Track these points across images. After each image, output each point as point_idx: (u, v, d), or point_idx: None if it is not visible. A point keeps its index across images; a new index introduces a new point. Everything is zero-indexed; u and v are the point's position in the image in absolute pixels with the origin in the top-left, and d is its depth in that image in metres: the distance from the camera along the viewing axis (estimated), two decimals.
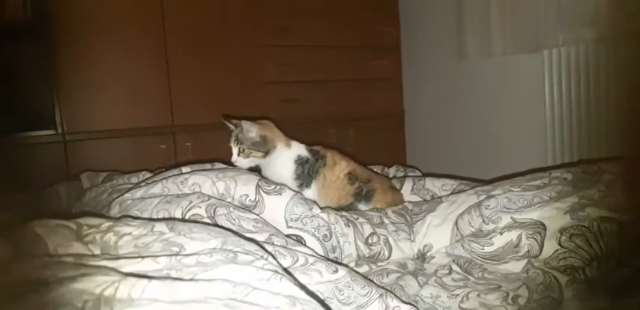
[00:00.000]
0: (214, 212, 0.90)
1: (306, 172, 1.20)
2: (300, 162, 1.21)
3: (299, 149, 1.24)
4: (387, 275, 0.94)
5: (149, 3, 1.87)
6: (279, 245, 0.81)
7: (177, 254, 0.57)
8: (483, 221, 0.99)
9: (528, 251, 0.92)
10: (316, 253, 0.87)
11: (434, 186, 1.22)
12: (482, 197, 1.03)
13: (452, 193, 1.17)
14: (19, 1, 1.81)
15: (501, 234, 0.96)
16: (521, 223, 0.96)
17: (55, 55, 1.76)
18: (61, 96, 1.77)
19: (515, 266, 0.92)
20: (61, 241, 0.62)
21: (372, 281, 0.83)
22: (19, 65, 1.94)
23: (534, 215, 0.96)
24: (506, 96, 1.96)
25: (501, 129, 1.98)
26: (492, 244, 0.95)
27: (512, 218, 0.97)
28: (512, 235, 0.95)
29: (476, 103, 2.08)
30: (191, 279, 0.51)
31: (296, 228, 0.98)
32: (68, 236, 0.65)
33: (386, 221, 1.06)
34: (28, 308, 0.39)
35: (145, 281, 0.44)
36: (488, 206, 1.00)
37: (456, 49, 2.08)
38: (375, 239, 1.01)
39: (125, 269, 0.51)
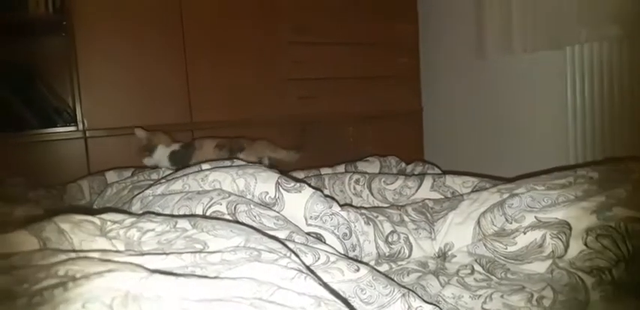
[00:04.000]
0: (235, 209, 0.90)
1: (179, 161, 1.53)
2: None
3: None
4: (408, 275, 0.93)
5: (168, 1, 1.88)
6: (300, 243, 0.81)
7: (201, 252, 0.57)
8: (506, 220, 0.97)
9: (553, 251, 0.90)
10: (337, 251, 0.86)
11: (454, 183, 1.20)
12: (506, 195, 1.01)
13: (473, 191, 1.15)
14: None
15: (525, 234, 0.94)
16: (546, 222, 0.94)
17: (76, 52, 1.78)
18: (83, 93, 1.78)
19: (540, 267, 0.90)
20: (86, 236, 0.63)
21: (394, 280, 0.82)
22: (41, 62, 1.97)
23: (559, 214, 0.94)
24: (527, 94, 1.93)
25: (522, 127, 1.95)
26: (516, 243, 0.94)
27: (536, 217, 0.96)
28: (536, 235, 0.93)
29: (496, 100, 2.05)
30: (216, 277, 0.50)
31: (316, 225, 0.97)
32: (92, 232, 0.65)
33: (406, 219, 1.05)
34: (56, 302, 0.40)
35: (172, 278, 0.43)
36: (512, 204, 0.98)
37: (475, 46, 2.06)
38: (395, 237, 1.00)
39: (150, 266, 0.51)
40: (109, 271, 0.44)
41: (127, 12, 1.83)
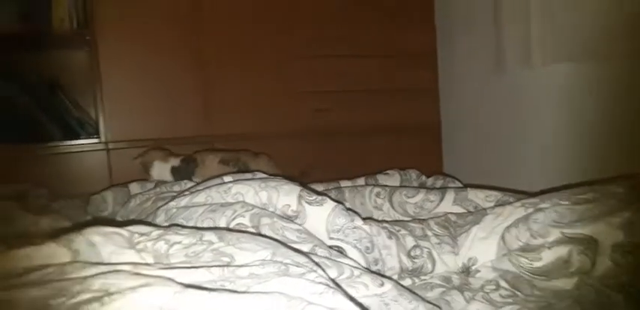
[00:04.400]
0: (259, 221, 0.90)
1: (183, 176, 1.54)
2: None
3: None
4: (431, 290, 0.92)
5: (187, 15, 1.92)
6: (324, 257, 0.80)
7: (229, 265, 0.57)
8: (531, 235, 0.96)
9: (579, 267, 0.88)
10: (360, 265, 0.86)
11: (477, 197, 1.19)
12: (530, 210, 1.00)
13: (496, 205, 1.14)
14: (66, 13, 1.88)
15: (550, 249, 0.92)
16: (572, 238, 0.93)
17: (99, 66, 1.82)
18: (105, 106, 1.82)
19: (566, 283, 0.88)
20: (115, 248, 0.63)
21: (419, 295, 0.81)
22: (65, 76, 2.02)
23: (585, 230, 0.92)
24: (547, 108, 1.92)
25: (542, 141, 1.93)
26: (541, 259, 0.92)
27: (561, 232, 0.94)
28: (561, 250, 0.91)
29: (516, 114, 2.04)
30: (245, 292, 0.51)
31: (338, 239, 0.97)
32: (121, 244, 0.66)
33: (429, 233, 1.04)
34: None
35: (204, 293, 0.44)
36: (537, 219, 0.97)
37: (494, 58, 2.05)
38: (418, 251, 0.99)
39: (180, 280, 0.52)
40: (142, 286, 0.44)
41: (148, 28, 1.87)
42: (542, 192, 1.14)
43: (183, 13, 1.91)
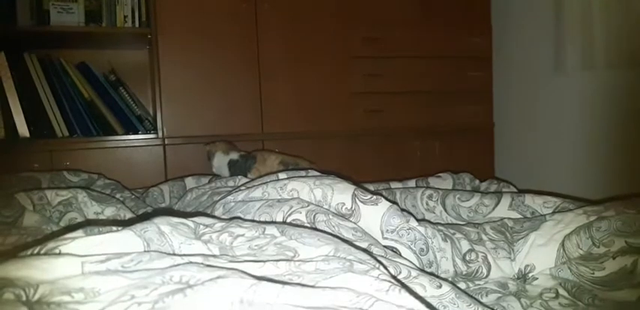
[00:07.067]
0: (314, 218, 0.92)
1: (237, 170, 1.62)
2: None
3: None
4: (487, 295, 0.91)
5: (245, 17, 1.96)
6: (380, 256, 0.81)
7: (294, 260, 0.58)
8: (593, 243, 0.93)
9: None
10: (416, 266, 0.85)
11: (534, 203, 1.16)
12: (593, 218, 0.96)
13: (555, 212, 1.11)
14: (129, 13, 1.96)
15: (614, 259, 0.89)
16: (637, 248, 0.89)
17: (159, 64, 1.89)
18: (163, 103, 1.88)
19: (631, 295, 0.85)
20: (184, 239, 0.66)
21: (477, 299, 0.80)
22: (127, 73, 2.10)
23: None
24: (609, 113, 1.84)
25: (603, 147, 1.86)
26: (604, 269, 0.89)
27: (626, 242, 0.91)
28: (626, 260, 0.88)
29: (574, 119, 1.97)
30: (312, 286, 0.52)
31: (392, 239, 0.97)
32: (188, 235, 0.68)
33: (484, 237, 1.02)
34: (176, 308, 0.42)
35: (279, 286, 0.45)
36: (600, 227, 0.94)
37: (553, 60, 1.99)
38: (473, 256, 0.98)
39: (250, 273, 0.53)
40: (219, 277, 0.46)
41: (208, 29, 1.93)
42: (605, 200, 1.11)
43: (241, 14, 1.95)
